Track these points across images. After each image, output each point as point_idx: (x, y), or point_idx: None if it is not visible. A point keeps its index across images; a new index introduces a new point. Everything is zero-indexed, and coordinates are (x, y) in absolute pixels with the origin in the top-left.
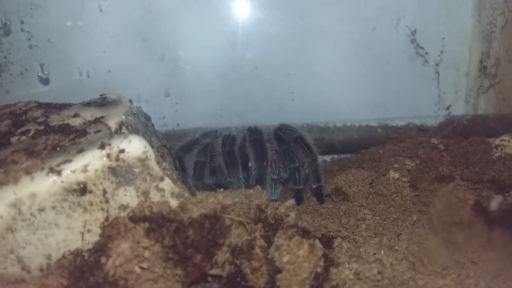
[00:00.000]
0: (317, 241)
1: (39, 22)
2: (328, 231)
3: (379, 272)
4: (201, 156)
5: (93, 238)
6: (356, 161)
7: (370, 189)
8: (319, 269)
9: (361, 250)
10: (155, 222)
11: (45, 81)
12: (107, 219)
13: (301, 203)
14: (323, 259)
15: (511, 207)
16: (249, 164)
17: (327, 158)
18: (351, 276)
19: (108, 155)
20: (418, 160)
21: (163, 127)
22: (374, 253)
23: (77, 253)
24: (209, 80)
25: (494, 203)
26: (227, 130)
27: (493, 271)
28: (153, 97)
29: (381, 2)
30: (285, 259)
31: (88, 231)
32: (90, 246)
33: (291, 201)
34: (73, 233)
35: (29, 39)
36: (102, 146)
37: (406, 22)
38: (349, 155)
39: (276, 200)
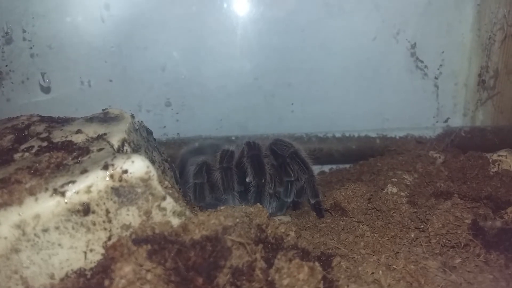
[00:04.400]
0: (316, 263)
1: (41, 31)
2: (327, 249)
3: None
4: (198, 177)
5: (95, 257)
6: (355, 173)
7: (369, 205)
8: None
9: (359, 269)
10: (157, 243)
11: (46, 89)
12: (109, 238)
13: (281, 212)
14: (322, 281)
15: (508, 227)
16: (247, 180)
17: (326, 168)
18: None
19: (112, 176)
20: (416, 174)
21: (163, 136)
22: (372, 273)
23: (80, 272)
24: (210, 90)
25: (491, 225)
26: (225, 144)
27: None
28: (154, 106)
29: (381, 16)
30: (285, 282)
31: (91, 250)
32: (93, 265)
33: (281, 217)
34: (76, 252)
35: (31, 48)
36: (105, 167)
37: (406, 35)
38: (347, 166)
39: (271, 214)
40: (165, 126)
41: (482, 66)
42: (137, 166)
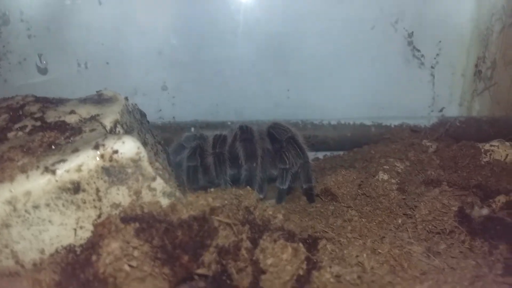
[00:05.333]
0: (300, 244)
1: (39, 13)
2: (315, 232)
3: (358, 277)
4: (191, 160)
5: (85, 234)
6: (348, 160)
7: (359, 191)
8: (301, 272)
9: (344, 252)
10: (145, 222)
11: (43, 71)
12: (99, 216)
13: (281, 202)
14: (305, 262)
15: (494, 215)
16: (240, 163)
17: (320, 155)
18: (331, 280)
19: (102, 156)
20: (408, 162)
21: (159, 120)
22: (357, 256)
23: (69, 249)
24: (207, 75)
25: (477, 213)
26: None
27: (471, 278)
28: (150, 90)
29: (379, 4)
30: (269, 261)
31: (81, 227)
32: (82, 242)
33: (273, 201)
34: (66, 229)
35: (28, 29)
36: (96, 147)
37: (404, 24)
38: (342, 153)
39: (263, 198)
40: (161, 110)
41: (479, 56)
42: (127, 147)
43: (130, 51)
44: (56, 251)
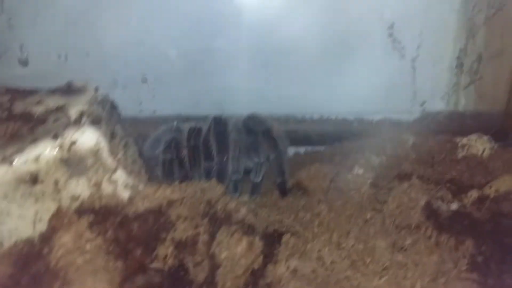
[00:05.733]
0: (257, 238)
1: (19, 3)
2: (282, 226)
3: (313, 271)
4: (166, 154)
5: (44, 226)
6: (328, 155)
7: (331, 185)
8: (256, 266)
9: (308, 246)
10: (101, 215)
11: (24, 62)
12: (59, 208)
13: (255, 195)
14: (262, 256)
15: (463, 210)
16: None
17: (302, 150)
18: (287, 274)
19: (60, 146)
20: (384, 156)
21: (140, 113)
22: (319, 250)
23: (28, 241)
24: (186, 68)
25: (446, 207)
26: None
27: (433, 274)
28: (130, 82)
29: None
30: (223, 255)
31: (40, 220)
32: None
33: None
34: (25, 221)
35: (10, 19)
36: (55, 137)
37: (384, 15)
38: (323, 148)
39: (238, 193)
40: (141, 103)
41: (461, 48)
42: (87, 138)
43: (110, 42)
44: (15, 244)
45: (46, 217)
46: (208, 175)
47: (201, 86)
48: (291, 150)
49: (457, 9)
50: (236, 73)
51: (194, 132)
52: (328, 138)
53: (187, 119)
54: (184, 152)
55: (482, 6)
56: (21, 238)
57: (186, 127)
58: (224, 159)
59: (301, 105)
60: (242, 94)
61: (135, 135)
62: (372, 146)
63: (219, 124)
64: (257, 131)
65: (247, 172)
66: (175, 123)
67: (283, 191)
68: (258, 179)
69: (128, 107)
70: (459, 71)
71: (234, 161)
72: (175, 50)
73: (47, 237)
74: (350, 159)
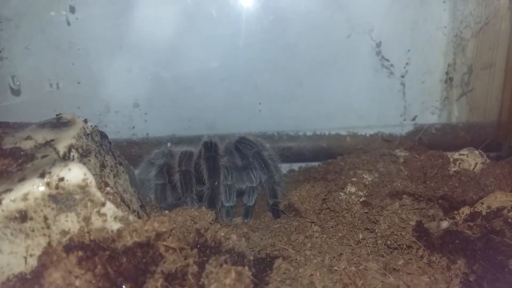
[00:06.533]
0: (246, 268)
1: (10, 35)
2: (274, 250)
3: None
4: (159, 178)
5: (36, 262)
6: (322, 172)
7: (323, 205)
8: None
9: (300, 271)
10: (90, 250)
11: (16, 92)
12: (49, 244)
13: (248, 219)
14: (252, 285)
15: (454, 229)
16: (203, 180)
17: (296, 166)
18: None
19: (48, 184)
20: (376, 173)
21: (132, 136)
22: (311, 275)
23: (20, 277)
24: (178, 91)
25: (437, 226)
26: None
27: None
28: (122, 107)
29: (346, 16)
30: (212, 286)
31: (31, 255)
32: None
33: (240, 218)
34: (16, 257)
35: (0, 51)
36: (42, 175)
37: (372, 34)
38: (317, 164)
39: (230, 218)
40: (134, 127)
41: (449, 63)
42: (74, 174)
43: (100, 70)
44: (8, 279)
45: (37, 252)
46: (200, 199)
47: (193, 108)
48: (286, 167)
49: (443, 26)
50: (226, 94)
51: (186, 157)
52: (322, 154)
53: (180, 140)
54: (176, 177)
55: (468, 22)
56: (13, 274)
57: (177, 151)
58: (215, 183)
59: (291, 122)
60: (233, 114)
61: (130, 155)
62: (364, 162)
63: (209, 148)
64: (248, 154)
65: (240, 194)
66: (168, 145)
67: (276, 213)
68: (251, 203)
69: (121, 131)
70: (448, 85)
71: (226, 188)
72: (165, 75)
73: (37, 275)
74: (342, 177)
